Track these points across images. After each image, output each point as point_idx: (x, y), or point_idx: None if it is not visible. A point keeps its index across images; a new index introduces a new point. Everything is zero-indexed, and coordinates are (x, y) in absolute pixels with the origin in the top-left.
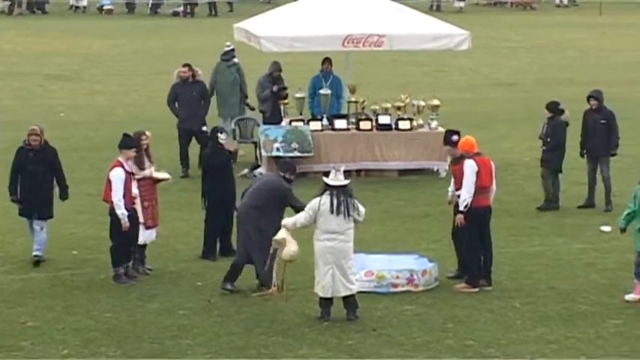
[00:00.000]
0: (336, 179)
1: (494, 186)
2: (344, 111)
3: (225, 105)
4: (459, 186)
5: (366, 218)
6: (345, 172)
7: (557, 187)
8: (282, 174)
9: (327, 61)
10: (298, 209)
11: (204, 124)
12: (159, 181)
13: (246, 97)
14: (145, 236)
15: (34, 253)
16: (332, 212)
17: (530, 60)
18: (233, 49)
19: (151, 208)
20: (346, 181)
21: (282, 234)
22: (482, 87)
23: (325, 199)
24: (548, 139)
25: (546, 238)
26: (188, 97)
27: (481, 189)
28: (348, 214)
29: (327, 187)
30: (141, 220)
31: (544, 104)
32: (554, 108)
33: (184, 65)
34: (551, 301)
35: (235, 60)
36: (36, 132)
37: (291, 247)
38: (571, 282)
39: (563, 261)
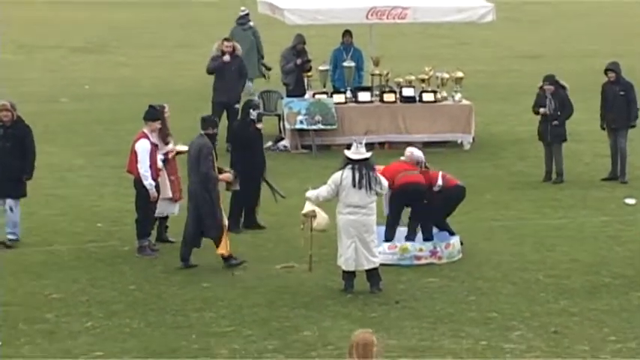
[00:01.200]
0: (358, 152)
1: None
2: (366, 83)
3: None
4: None
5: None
6: (368, 144)
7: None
8: (202, 132)
9: (347, 33)
10: (202, 173)
11: (238, 102)
12: (178, 153)
13: (263, 57)
14: (171, 209)
15: (8, 237)
16: (354, 186)
17: (554, 32)
18: (248, 14)
19: (176, 182)
20: (368, 154)
21: (309, 207)
22: (506, 59)
23: (347, 172)
24: (559, 113)
25: (570, 210)
26: (227, 72)
27: None
28: (370, 188)
29: (349, 160)
30: (169, 194)
31: (569, 76)
32: (555, 81)
33: (226, 39)
34: (575, 274)
35: (251, 24)
36: (6, 107)
37: (320, 220)
38: (594, 254)
39: (587, 233)
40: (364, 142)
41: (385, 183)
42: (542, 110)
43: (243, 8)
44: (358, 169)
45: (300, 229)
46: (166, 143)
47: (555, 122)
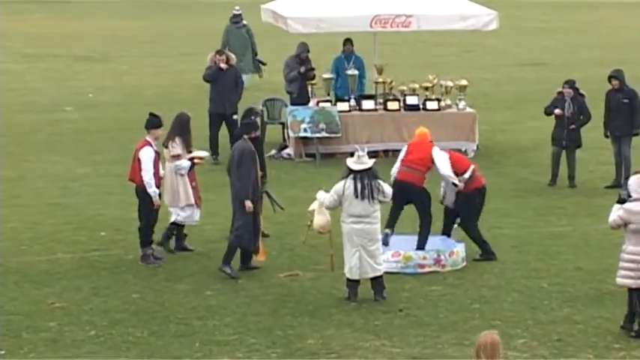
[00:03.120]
0: (360, 162)
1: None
2: (369, 91)
3: (239, 62)
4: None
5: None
6: (372, 152)
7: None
8: (245, 136)
9: (348, 41)
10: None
11: (236, 112)
12: (200, 159)
13: (257, 54)
14: (195, 216)
15: None
16: (356, 197)
17: (558, 40)
18: (241, 14)
19: (197, 188)
20: (369, 164)
21: (313, 205)
22: (510, 67)
23: (349, 183)
24: (579, 117)
25: (574, 218)
26: (223, 82)
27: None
28: (372, 198)
29: (351, 171)
30: (192, 201)
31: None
32: (575, 87)
33: (218, 52)
34: (579, 282)
35: (244, 22)
36: None
37: (319, 218)
38: (599, 262)
39: (591, 241)
40: (366, 150)
41: (388, 191)
42: (557, 111)
43: (237, 7)
44: (360, 179)
45: (306, 226)
46: (189, 151)
47: (573, 126)
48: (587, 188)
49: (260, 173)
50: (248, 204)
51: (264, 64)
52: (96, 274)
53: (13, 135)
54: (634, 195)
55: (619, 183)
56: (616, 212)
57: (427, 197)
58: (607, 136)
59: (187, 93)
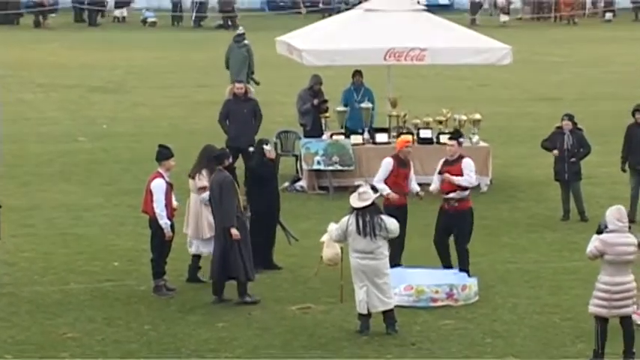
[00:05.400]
0: (361, 199)
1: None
2: (382, 124)
3: (234, 76)
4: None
5: (407, 231)
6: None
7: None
8: (219, 167)
9: (357, 73)
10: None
11: (253, 144)
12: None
13: (253, 72)
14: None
15: None
16: (359, 233)
17: (573, 75)
18: (243, 33)
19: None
20: (369, 201)
21: (323, 237)
22: (524, 101)
23: (352, 219)
24: (578, 150)
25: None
26: (240, 115)
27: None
28: (374, 235)
29: (353, 208)
30: (209, 233)
31: (587, 118)
32: (573, 121)
33: (238, 81)
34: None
35: (246, 42)
36: None
37: (328, 251)
38: None
39: None
40: (368, 186)
41: (393, 226)
42: (555, 152)
43: (240, 28)
44: (362, 215)
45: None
46: None
47: (573, 159)
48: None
49: (243, 202)
50: (234, 231)
51: (257, 83)
52: (108, 305)
53: (27, 165)
54: (610, 226)
55: (633, 218)
56: (593, 243)
57: None
58: (624, 170)
59: (203, 124)
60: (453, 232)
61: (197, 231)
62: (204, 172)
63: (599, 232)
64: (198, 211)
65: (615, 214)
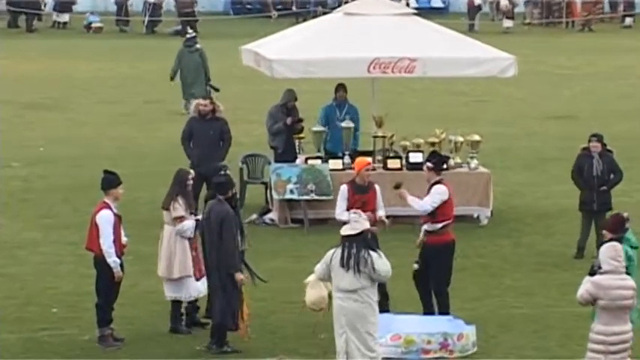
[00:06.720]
0: (351, 227)
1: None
2: (365, 147)
3: (191, 87)
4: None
5: (394, 272)
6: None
7: None
8: (220, 197)
9: (341, 88)
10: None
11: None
12: None
13: (210, 79)
14: (197, 289)
15: None
16: (342, 266)
17: (586, 89)
18: (195, 37)
19: (197, 257)
20: (358, 230)
21: (309, 278)
22: (530, 120)
23: (338, 251)
24: (609, 177)
25: None
26: (204, 137)
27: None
28: (358, 270)
29: (341, 237)
30: (188, 272)
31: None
32: (603, 142)
33: (205, 97)
34: None
35: (198, 46)
36: None
37: (312, 292)
38: None
39: None
40: (362, 216)
41: (384, 268)
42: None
43: (190, 31)
44: (348, 246)
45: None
46: (192, 213)
47: (604, 187)
48: None
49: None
50: (239, 276)
51: (217, 90)
52: (45, 358)
53: None
54: (604, 266)
55: None
56: (584, 286)
57: None
58: None
59: (154, 147)
60: (429, 271)
61: (167, 269)
62: (179, 199)
63: (592, 273)
64: (172, 246)
65: (610, 252)
